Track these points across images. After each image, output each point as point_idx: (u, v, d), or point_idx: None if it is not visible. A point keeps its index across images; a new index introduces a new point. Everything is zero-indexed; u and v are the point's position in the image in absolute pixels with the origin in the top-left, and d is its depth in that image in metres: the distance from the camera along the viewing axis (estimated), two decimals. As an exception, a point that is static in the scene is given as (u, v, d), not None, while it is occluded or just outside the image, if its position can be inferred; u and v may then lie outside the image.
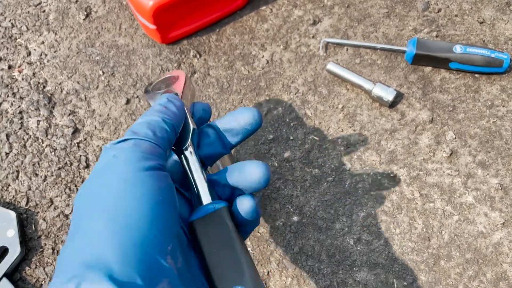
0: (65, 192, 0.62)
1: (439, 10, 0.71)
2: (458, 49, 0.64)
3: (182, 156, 0.35)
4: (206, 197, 0.35)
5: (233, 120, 0.36)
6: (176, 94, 0.37)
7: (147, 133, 0.31)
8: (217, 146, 0.37)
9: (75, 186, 0.62)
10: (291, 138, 0.64)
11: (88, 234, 0.26)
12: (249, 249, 0.58)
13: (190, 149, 0.35)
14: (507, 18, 0.70)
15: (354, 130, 0.64)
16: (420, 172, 0.61)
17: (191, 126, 0.36)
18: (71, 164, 0.64)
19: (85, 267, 0.25)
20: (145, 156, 0.29)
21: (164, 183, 0.30)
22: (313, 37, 0.71)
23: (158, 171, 0.30)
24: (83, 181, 0.62)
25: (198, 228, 0.33)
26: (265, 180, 0.33)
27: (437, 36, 0.69)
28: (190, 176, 0.35)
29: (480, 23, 0.70)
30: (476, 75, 0.66)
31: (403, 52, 0.67)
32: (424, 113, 0.64)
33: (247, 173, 0.33)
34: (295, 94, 0.67)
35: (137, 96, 0.68)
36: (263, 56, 0.70)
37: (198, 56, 0.70)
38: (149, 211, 0.27)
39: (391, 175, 0.61)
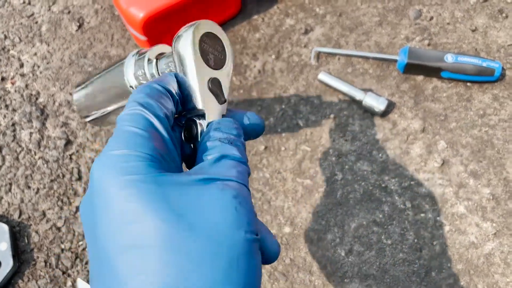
0: (58, 205, 0.62)
1: (431, 18, 0.71)
2: (449, 58, 0.64)
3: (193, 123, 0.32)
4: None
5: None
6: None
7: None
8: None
9: (68, 198, 0.62)
10: (283, 148, 0.64)
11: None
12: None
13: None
14: (499, 25, 0.70)
15: (346, 140, 0.64)
16: (412, 182, 0.61)
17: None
18: (64, 176, 0.64)
19: None
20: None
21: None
22: (305, 46, 0.71)
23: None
24: (75, 193, 0.63)
25: None
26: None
27: (429, 45, 0.69)
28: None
29: (473, 31, 0.70)
30: (468, 84, 0.66)
31: (395, 61, 0.67)
32: (416, 122, 0.64)
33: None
34: (287, 104, 0.67)
35: (129, 107, 0.68)
36: (255, 66, 0.70)
37: (190, 66, 0.70)
38: None
39: (383, 185, 0.61)
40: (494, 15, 0.71)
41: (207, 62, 0.32)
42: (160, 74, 0.37)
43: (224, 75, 0.33)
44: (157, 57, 0.38)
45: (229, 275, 0.22)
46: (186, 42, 0.32)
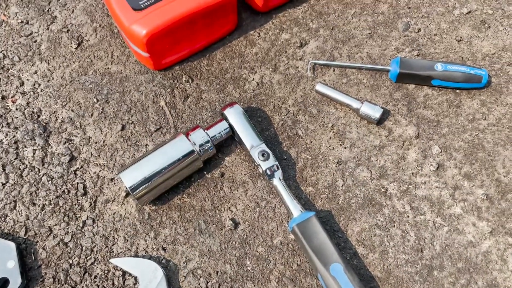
0: (64, 220, 0.62)
1: (419, 30, 0.75)
2: (439, 67, 0.67)
3: (272, 181, 0.62)
4: (297, 209, 0.59)
5: None
6: None
7: None
8: None
9: (74, 214, 0.63)
10: (284, 157, 0.66)
11: None
12: (248, 268, 0.59)
13: (278, 177, 0.62)
14: (483, 35, 0.74)
15: (345, 148, 0.66)
16: (410, 186, 0.63)
17: (275, 161, 0.62)
18: (69, 192, 0.64)
19: None
20: None
21: None
22: (300, 59, 0.73)
23: None
24: (81, 208, 0.63)
25: (299, 228, 0.57)
26: None
27: (418, 55, 0.73)
28: (281, 195, 0.61)
29: (458, 41, 0.74)
30: (457, 91, 0.69)
31: (387, 71, 0.70)
32: (410, 128, 0.67)
33: None
34: (286, 114, 0.69)
35: (132, 122, 0.69)
36: (253, 79, 0.72)
37: (190, 81, 0.72)
38: None
39: (382, 189, 0.63)
40: (477, 26, 0.75)
41: None
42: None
43: None
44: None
45: None
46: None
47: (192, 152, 0.61)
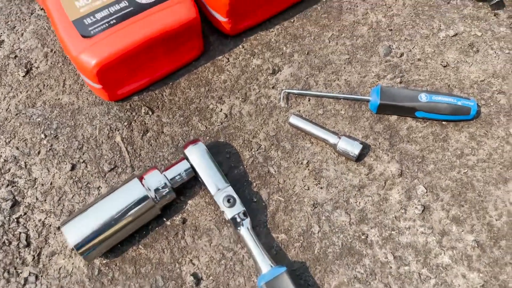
0: (3, 277, 0.55)
1: (402, 55, 0.69)
2: (423, 97, 0.61)
3: (239, 231, 0.54)
4: (266, 264, 0.52)
5: None
6: None
7: None
8: None
9: (15, 269, 0.55)
10: (254, 200, 0.59)
11: None
12: (212, 331, 0.52)
13: (246, 226, 0.55)
14: (471, 60, 0.68)
15: (321, 188, 0.60)
16: (393, 232, 0.57)
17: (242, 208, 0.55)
18: (10, 243, 0.57)
19: None
20: None
21: None
22: (273, 87, 0.67)
23: None
24: (23, 262, 0.56)
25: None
26: None
27: (401, 82, 0.67)
28: (249, 247, 0.54)
29: (444, 66, 0.68)
30: (444, 122, 0.63)
31: (367, 101, 0.64)
32: (392, 165, 0.61)
33: None
34: (257, 150, 0.63)
35: (84, 161, 0.62)
36: (221, 110, 0.65)
37: (150, 112, 0.65)
38: None
39: (362, 236, 0.57)
40: (464, 50, 0.69)
41: None
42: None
43: None
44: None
45: None
46: None
47: (145, 198, 0.54)
